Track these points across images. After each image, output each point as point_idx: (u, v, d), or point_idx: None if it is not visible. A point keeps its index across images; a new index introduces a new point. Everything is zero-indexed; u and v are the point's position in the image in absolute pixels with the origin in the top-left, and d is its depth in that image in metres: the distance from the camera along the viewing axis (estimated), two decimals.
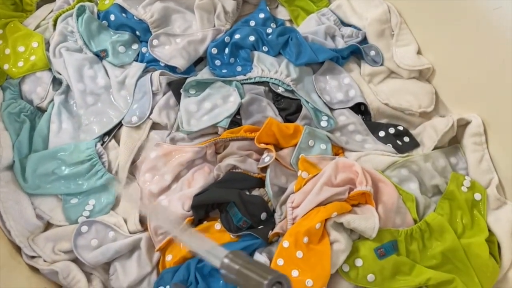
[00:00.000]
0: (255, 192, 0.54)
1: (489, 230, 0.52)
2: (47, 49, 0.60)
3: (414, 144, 0.58)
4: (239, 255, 0.33)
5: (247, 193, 0.53)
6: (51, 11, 0.64)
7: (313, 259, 0.48)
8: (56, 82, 0.60)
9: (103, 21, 0.62)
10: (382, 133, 0.58)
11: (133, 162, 0.56)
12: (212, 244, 0.36)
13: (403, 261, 0.49)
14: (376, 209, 0.51)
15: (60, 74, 0.59)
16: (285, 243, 0.48)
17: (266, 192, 0.53)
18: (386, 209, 0.51)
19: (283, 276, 0.30)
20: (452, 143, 0.59)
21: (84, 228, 0.50)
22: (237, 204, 0.51)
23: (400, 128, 0.58)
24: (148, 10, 0.62)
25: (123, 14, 0.62)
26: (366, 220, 0.49)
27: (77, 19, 0.61)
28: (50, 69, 0.60)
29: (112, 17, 0.62)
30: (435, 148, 0.57)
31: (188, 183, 0.54)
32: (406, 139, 0.58)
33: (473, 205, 0.53)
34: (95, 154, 0.55)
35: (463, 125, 0.57)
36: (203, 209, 0.52)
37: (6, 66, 0.58)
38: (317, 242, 0.49)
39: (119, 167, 0.56)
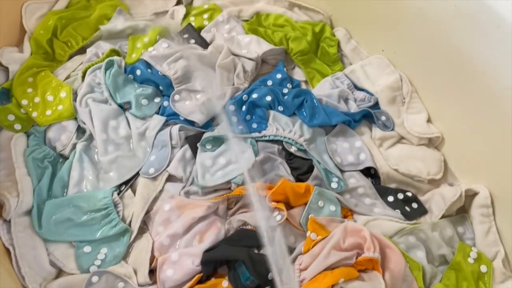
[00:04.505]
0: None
1: None
2: (74, 99, 0.63)
3: (423, 210, 0.59)
4: None
5: (256, 251, 0.54)
6: (81, 63, 0.67)
7: None
8: (80, 130, 0.63)
9: (129, 75, 0.66)
10: (391, 198, 0.59)
11: (147, 212, 0.58)
12: None
13: None
14: (383, 275, 0.51)
15: (85, 124, 0.62)
16: None
17: None
18: (393, 277, 0.51)
19: None
20: (460, 211, 0.60)
21: (95, 279, 0.51)
22: (245, 262, 0.52)
23: (409, 194, 0.60)
24: (172, 67, 0.65)
25: (149, 70, 0.66)
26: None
27: (105, 72, 0.64)
28: (75, 118, 0.63)
29: (138, 72, 0.65)
30: (443, 216, 0.58)
31: (200, 237, 0.55)
32: (415, 205, 0.59)
33: (479, 277, 0.54)
34: (111, 203, 0.57)
35: (471, 195, 0.59)
36: (212, 265, 0.53)
37: (34, 114, 0.61)
38: None
39: (133, 217, 0.57)
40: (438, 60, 0.60)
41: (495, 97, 0.53)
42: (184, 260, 0.53)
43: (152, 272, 0.54)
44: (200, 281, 0.52)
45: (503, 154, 0.55)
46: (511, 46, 0.50)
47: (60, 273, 0.54)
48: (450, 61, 0.58)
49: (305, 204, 0.57)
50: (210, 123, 0.65)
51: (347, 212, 0.58)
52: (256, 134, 0.63)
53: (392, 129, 0.65)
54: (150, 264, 0.54)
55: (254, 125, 0.64)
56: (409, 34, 0.63)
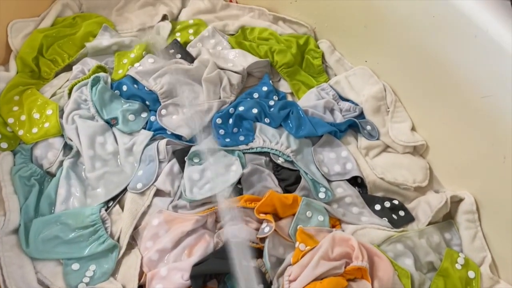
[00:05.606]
0: (253, 263, 0.55)
1: None
2: (61, 116, 0.63)
3: (410, 218, 0.60)
4: None
5: (245, 264, 0.54)
6: (67, 80, 0.67)
7: None
8: (67, 147, 0.62)
9: (116, 91, 0.66)
10: (378, 207, 0.60)
11: (136, 227, 0.58)
12: None
13: None
14: (372, 284, 0.52)
15: (71, 141, 0.62)
16: None
17: (264, 263, 0.54)
18: (381, 285, 0.52)
19: None
20: (446, 217, 0.61)
21: None
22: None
23: (396, 202, 0.60)
24: (158, 82, 0.66)
25: (135, 85, 0.66)
26: None
27: (91, 89, 0.64)
28: (62, 135, 0.63)
29: (124, 88, 0.66)
30: (430, 223, 0.58)
31: (188, 251, 0.55)
32: (402, 213, 0.60)
33: (467, 283, 0.54)
34: (99, 219, 0.56)
35: (456, 201, 0.59)
36: (201, 279, 0.53)
37: (20, 132, 0.61)
38: None
39: (121, 233, 0.57)
40: (419, 69, 0.62)
41: (474, 105, 0.55)
42: (173, 275, 0.53)
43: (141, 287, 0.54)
44: None
45: (486, 160, 0.56)
46: (487, 55, 0.51)
47: None
48: (431, 70, 0.60)
49: (293, 215, 0.57)
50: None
51: (335, 222, 0.59)
52: (243, 147, 0.63)
53: (378, 138, 0.66)
54: (139, 279, 0.54)
55: (241, 138, 0.65)
56: (391, 45, 0.65)
